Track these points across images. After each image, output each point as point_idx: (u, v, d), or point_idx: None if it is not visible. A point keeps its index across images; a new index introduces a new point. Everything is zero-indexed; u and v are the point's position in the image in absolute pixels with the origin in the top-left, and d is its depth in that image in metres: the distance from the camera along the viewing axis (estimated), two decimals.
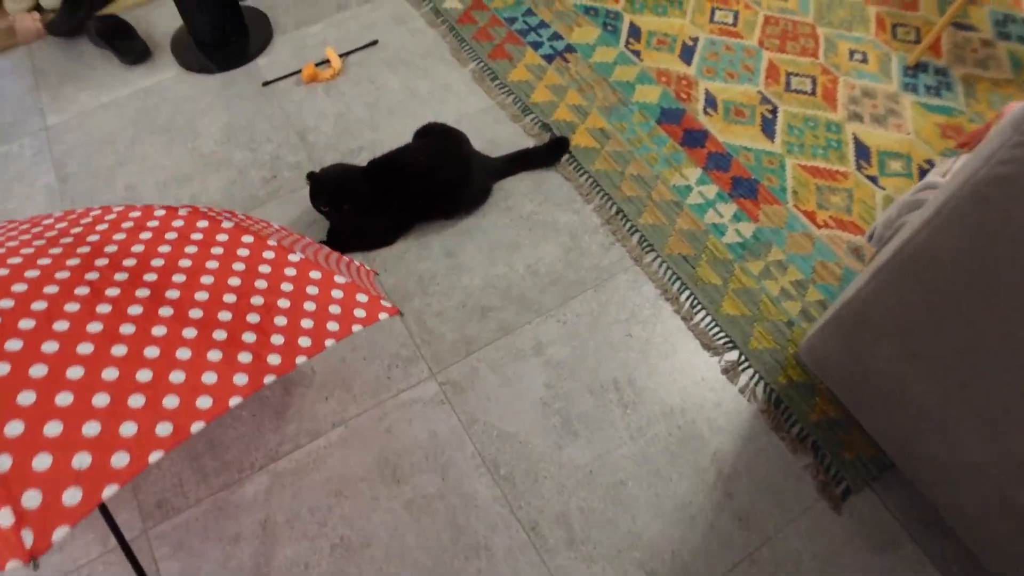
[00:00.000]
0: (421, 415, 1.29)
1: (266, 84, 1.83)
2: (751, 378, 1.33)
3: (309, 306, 0.84)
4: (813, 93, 1.82)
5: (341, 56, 1.88)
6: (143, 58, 1.89)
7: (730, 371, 1.34)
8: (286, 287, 0.85)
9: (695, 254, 1.50)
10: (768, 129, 1.73)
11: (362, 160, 1.58)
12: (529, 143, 1.69)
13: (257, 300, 0.82)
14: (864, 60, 1.91)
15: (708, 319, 1.41)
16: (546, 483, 1.21)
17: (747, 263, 1.49)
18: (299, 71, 1.84)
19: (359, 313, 0.87)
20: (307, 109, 1.77)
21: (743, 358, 1.36)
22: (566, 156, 1.66)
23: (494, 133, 1.71)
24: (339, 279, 0.91)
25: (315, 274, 0.89)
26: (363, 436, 1.26)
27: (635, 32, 1.96)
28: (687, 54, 1.91)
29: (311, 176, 1.43)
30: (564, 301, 1.43)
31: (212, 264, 0.84)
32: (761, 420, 1.28)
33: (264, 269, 0.87)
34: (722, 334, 1.39)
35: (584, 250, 1.50)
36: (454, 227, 1.54)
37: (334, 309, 0.86)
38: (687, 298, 1.44)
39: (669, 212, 1.57)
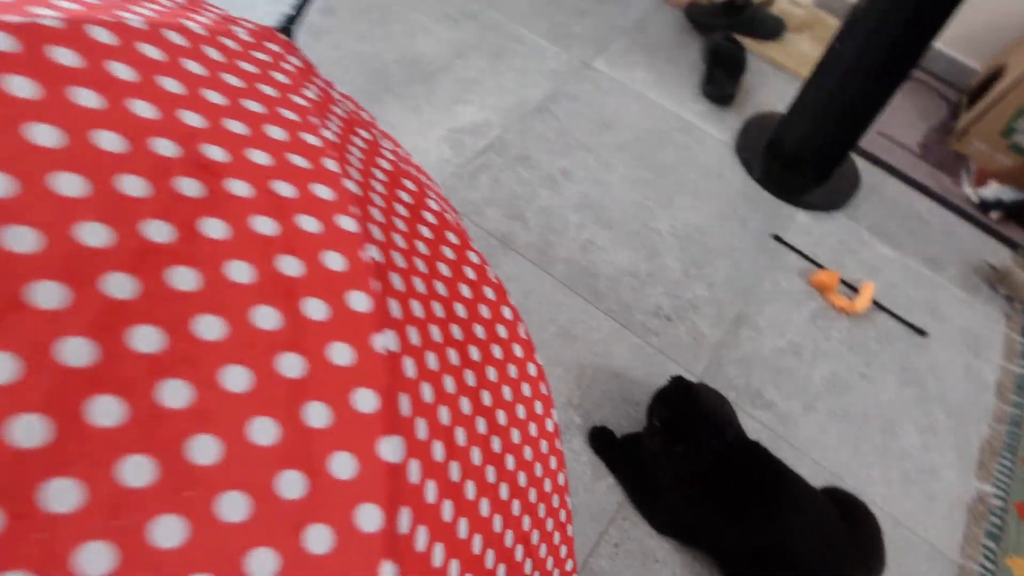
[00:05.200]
0: None
1: (777, 239, 1.35)
2: None
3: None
4: None
5: (876, 305, 1.30)
6: (722, 98, 1.57)
7: None
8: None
9: None
10: None
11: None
12: None
13: None
14: None
15: None
16: None
17: None
18: (816, 264, 1.32)
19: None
20: (783, 319, 1.23)
21: None
22: None
23: None
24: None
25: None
26: None
27: None
28: None
29: (677, 384, 0.93)
30: None
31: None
32: None
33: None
34: None
35: None
36: None
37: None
38: None
39: None
